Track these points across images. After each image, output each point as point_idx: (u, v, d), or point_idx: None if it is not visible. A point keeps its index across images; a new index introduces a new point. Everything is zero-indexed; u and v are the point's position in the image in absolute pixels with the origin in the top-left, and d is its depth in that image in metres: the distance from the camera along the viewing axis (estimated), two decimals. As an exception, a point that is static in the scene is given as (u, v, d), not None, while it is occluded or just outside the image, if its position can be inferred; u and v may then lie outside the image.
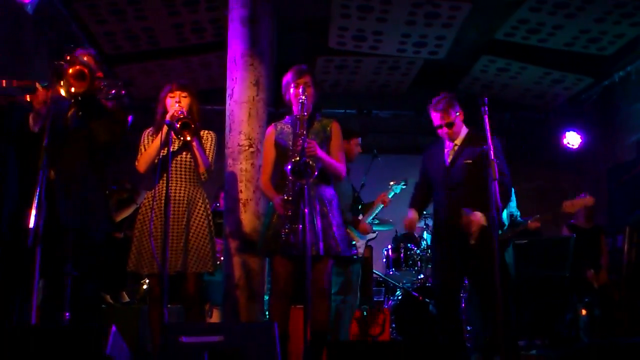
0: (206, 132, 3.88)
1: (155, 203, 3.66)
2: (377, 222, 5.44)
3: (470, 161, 3.83)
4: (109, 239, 5.40)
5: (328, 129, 3.70)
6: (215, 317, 5.51)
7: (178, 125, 3.52)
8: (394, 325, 5.65)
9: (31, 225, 2.79)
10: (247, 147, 4.83)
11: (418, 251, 6.06)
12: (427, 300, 5.62)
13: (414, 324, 5.65)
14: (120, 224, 5.75)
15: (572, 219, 6.39)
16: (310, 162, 3.24)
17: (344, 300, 4.82)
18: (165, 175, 3.52)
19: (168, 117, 3.57)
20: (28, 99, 3.38)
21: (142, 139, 3.83)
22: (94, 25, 6.38)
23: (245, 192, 4.77)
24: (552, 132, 8.43)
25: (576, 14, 6.17)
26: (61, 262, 3.41)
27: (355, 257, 4.86)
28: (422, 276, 5.96)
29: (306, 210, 3.16)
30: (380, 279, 6.23)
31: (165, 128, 3.51)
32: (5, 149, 3.87)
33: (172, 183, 3.65)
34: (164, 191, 3.42)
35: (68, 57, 3.31)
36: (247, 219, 4.71)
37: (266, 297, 4.91)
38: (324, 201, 3.58)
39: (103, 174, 3.70)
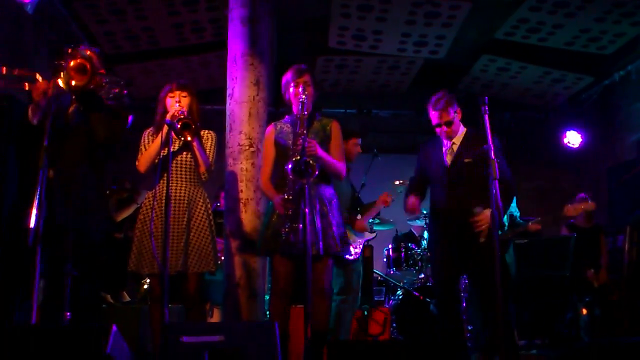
0: (206, 131, 3.88)
1: (155, 203, 3.66)
2: (377, 221, 5.44)
3: (471, 160, 3.82)
4: (109, 239, 5.41)
5: (328, 128, 3.70)
6: (215, 317, 5.51)
7: (178, 125, 3.52)
8: (394, 325, 5.65)
9: (31, 225, 2.79)
10: (247, 147, 4.83)
11: (419, 251, 6.06)
12: (427, 299, 5.62)
13: (414, 323, 5.65)
14: (121, 224, 5.75)
15: (571, 219, 6.38)
16: (311, 162, 3.24)
17: (345, 300, 4.82)
18: (165, 175, 3.53)
19: (168, 117, 3.57)
20: (27, 87, 3.37)
21: (142, 139, 3.83)
22: (94, 25, 6.38)
23: (245, 191, 4.77)
24: (552, 132, 8.43)
25: (576, 13, 6.17)
26: (61, 262, 3.41)
27: (349, 257, 4.84)
28: (422, 276, 5.96)
29: (306, 210, 3.16)
30: (381, 279, 6.23)
31: (165, 128, 3.51)
32: (5, 149, 3.88)
33: (172, 183, 3.65)
34: (165, 191, 3.42)
35: (70, 50, 3.30)
36: (248, 218, 4.71)
37: (267, 297, 4.91)
38: (323, 200, 3.58)
39: (102, 173, 3.69)
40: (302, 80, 3.61)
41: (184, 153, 3.75)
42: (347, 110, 8.20)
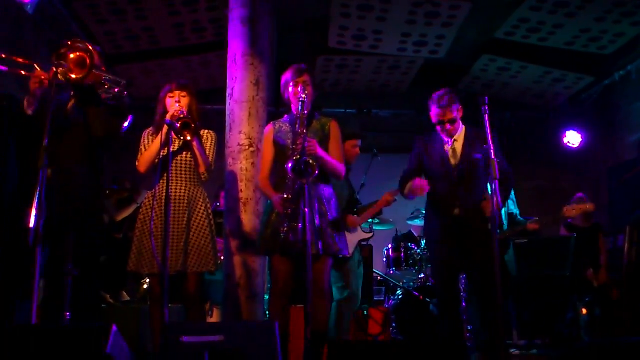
0: (206, 131, 3.88)
1: (155, 203, 3.66)
2: (377, 221, 5.43)
3: (478, 158, 3.79)
4: (109, 238, 5.41)
5: (327, 127, 3.70)
6: (215, 317, 5.50)
7: (178, 125, 3.52)
8: (394, 324, 5.65)
9: (31, 224, 2.78)
10: (247, 147, 4.83)
11: (418, 250, 6.06)
12: (427, 299, 5.62)
13: (414, 323, 5.65)
14: (121, 224, 5.75)
15: (569, 219, 6.38)
16: (311, 161, 3.24)
17: (344, 299, 4.81)
18: (165, 175, 3.52)
19: (168, 116, 3.57)
20: (23, 73, 3.35)
21: (142, 139, 3.83)
22: (94, 24, 6.38)
23: (245, 191, 4.77)
24: (552, 131, 8.43)
25: (576, 13, 6.17)
26: (61, 261, 3.41)
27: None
28: (422, 275, 5.96)
29: (306, 209, 3.16)
30: (381, 279, 6.23)
31: (165, 128, 3.51)
32: (5, 148, 3.87)
33: (172, 183, 3.65)
34: (165, 191, 3.42)
35: (70, 43, 3.29)
36: (248, 218, 4.71)
37: (267, 297, 4.91)
38: (322, 200, 3.58)
39: (101, 172, 3.69)
40: (301, 80, 3.61)
41: (184, 153, 3.75)
42: (347, 110, 8.19)
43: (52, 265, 3.43)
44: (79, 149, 3.52)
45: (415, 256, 6.03)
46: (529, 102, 8.53)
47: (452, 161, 3.93)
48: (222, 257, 4.79)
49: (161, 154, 3.55)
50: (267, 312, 4.54)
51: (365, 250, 5.24)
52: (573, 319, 5.64)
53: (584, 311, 5.58)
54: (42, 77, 3.27)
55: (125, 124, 4.17)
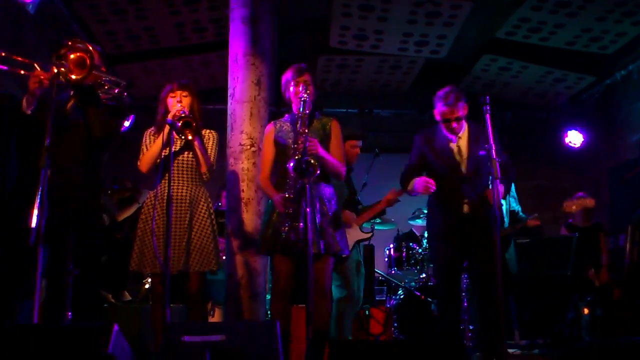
0: (208, 131, 3.88)
1: (157, 202, 3.65)
2: (378, 221, 5.43)
3: (481, 154, 3.76)
4: (110, 238, 5.41)
5: (327, 127, 3.69)
6: (217, 317, 5.50)
7: (179, 125, 3.52)
8: (395, 324, 5.65)
9: (33, 224, 2.78)
10: (248, 147, 4.83)
11: (420, 250, 6.06)
12: (429, 299, 5.62)
13: (415, 323, 5.65)
14: (122, 224, 5.75)
15: (570, 219, 6.38)
16: (312, 161, 3.24)
17: (343, 298, 4.80)
18: (167, 175, 3.53)
19: (170, 116, 3.57)
20: (22, 72, 3.35)
21: (143, 139, 3.83)
22: (95, 24, 6.38)
23: (247, 191, 4.77)
24: (553, 131, 8.42)
25: (577, 13, 6.16)
26: (62, 261, 3.41)
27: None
28: (424, 275, 5.96)
29: (307, 209, 3.16)
30: (382, 279, 6.23)
31: (167, 128, 3.51)
32: (6, 148, 3.87)
33: (174, 183, 3.65)
34: (166, 191, 3.42)
35: (70, 43, 3.29)
36: (249, 218, 4.72)
37: (268, 297, 4.90)
38: (323, 200, 3.57)
39: (100, 171, 3.69)
40: (302, 80, 3.60)
41: (186, 153, 3.75)
42: (349, 110, 8.19)
43: (53, 265, 3.44)
44: (77, 148, 3.51)
45: (417, 256, 6.03)
46: (530, 101, 8.52)
47: (459, 159, 3.91)
48: (224, 257, 4.80)
49: (163, 153, 3.54)
50: (269, 312, 4.54)
51: (367, 250, 5.23)
52: (574, 319, 5.64)
53: (586, 311, 5.58)
54: (42, 77, 3.27)
55: (127, 124, 4.17)
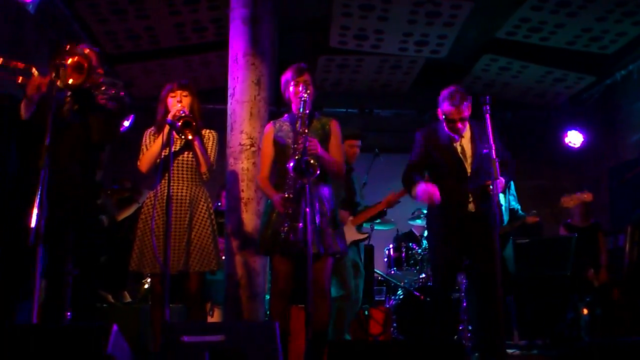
0: (207, 131, 3.88)
1: (157, 202, 3.65)
2: (378, 221, 5.43)
3: (484, 153, 3.75)
4: (109, 238, 5.41)
5: (327, 127, 3.69)
6: (216, 317, 5.51)
7: (179, 124, 3.52)
8: (395, 324, 5.65)
9: (32, 224, 2.78)
10: (248, 147, 4.83)
11: (419, 250, 6.06)
12: (428, 299, 5.62)
13: (415, 323, 5.65)
14: (122, 224, 5.75)
15: (569, 219, 6.39)
16: (312, 161, 3.23)
17: (341, 298, 4.79)
18: (167, 174, 3.53)
19: (170, 116, 3.57)
20: (20, 81, 3.35)
21: (143, 139, 3.83)
22: (95, 24, 6.38)
23: (246, 191, 4.77)
24: (553, 131, 8.42)
25: (578, 13, 6.16)
26: (62, 261, 3.41)
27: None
28: (423, 275, 5.96)
29: (307, 209, 3.16)
30: (382, 279, 6.23)
31: (167, 128, 3.51)
32: (6, 148, 3.87)
33: (174, 183, 3.65)
34: (166, 191, 3.42)
35: (68, 48, 3.29)
36: (249, 218, 4.72)
37: (267, 297, 4.91)
38: (323, 200, 3.57)
39: (97, 171, 3.69)
40: (302, 79, 3.60)
41: (186, 153, 3.75)
42: (349, 110, 8.19)
43: (52, 265, 3.43)
44: (74, 149, 3.51)
45: (416, 256, 6.03)
46: (530, 101, 8.52)
47: (462, 158, 3.90)
48: (223, 257, 4.80)
49: (163, 153, 3.54)
50: (268, 312, 4.55)
51: (367, 250, 5.22)
52: (574, 319, 5.65)
53: (585, 311, 5.58)
54: (40, 82, 3.27)
55: (127, 124, 4.17)
